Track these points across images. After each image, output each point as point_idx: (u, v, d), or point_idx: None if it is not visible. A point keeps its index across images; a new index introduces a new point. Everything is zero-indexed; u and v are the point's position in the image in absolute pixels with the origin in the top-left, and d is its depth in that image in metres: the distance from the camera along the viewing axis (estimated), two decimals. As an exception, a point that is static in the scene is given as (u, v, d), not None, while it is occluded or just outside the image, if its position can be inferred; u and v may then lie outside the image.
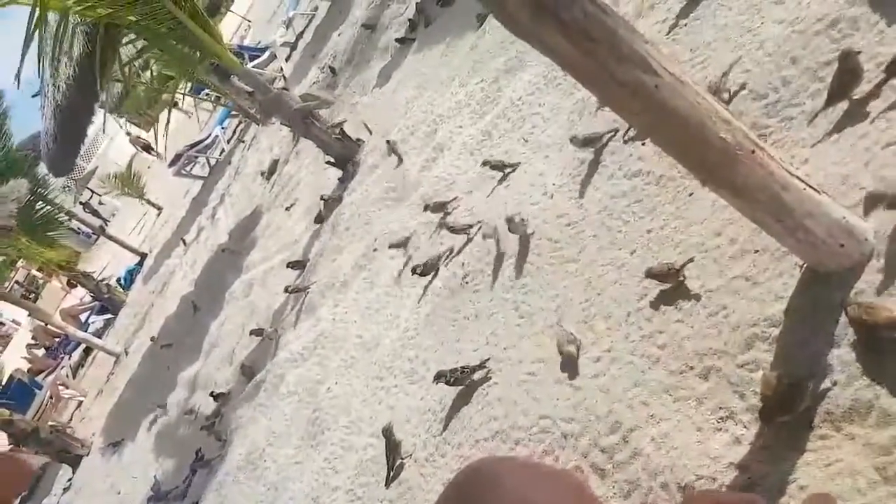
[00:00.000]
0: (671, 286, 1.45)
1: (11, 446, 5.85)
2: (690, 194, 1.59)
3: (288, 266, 3.61)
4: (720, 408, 1.23)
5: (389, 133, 3.43)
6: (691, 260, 1.43)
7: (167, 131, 5.65)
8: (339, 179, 3.69)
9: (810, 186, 1.06)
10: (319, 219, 3.60)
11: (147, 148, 13.12)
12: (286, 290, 3.36)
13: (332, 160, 3.70)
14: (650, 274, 1.46)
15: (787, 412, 1.07)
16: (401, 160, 3.15)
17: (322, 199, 3.62)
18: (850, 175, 1.21)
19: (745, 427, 1.17)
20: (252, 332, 3.51)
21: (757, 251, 1.33)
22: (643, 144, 1.77)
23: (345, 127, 3.67)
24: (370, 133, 3.68)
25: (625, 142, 1.85)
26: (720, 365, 1.26)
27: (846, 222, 1.08)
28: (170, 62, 5.08)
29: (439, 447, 1.87)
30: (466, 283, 2.20)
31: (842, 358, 1.07)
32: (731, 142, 1.03)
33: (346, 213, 3.41)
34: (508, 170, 2.29)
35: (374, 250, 2.95)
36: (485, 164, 2.36)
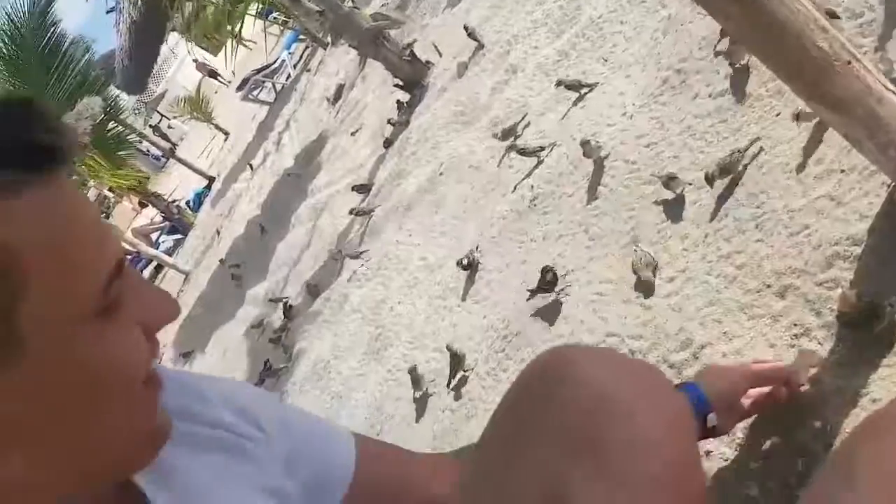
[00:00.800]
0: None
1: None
2: (777, 114, 1.54)
3: (353, 189, 3.65)
4: (795, 325, 1.21)
5: (460, 55, 3.40)
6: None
7: (235, 50, 5.69)
8: (406, 103, 3.68)
9: (911, 99, 1.02)
10: (387, 143, 3.61)
11: (213, 74, 13.28)
12: (351, 213, 3.41)
13: (401, 83, 3.69)
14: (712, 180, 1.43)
15: (865, 330, 1.06)
16: (481, 45, 3.05)
17: (389, 122, 3.63)
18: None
19: (819, 343, 1.16)
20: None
21: (843, 171, 1.29)
22: (731, 65, 1.72)
23: (414, 48, 3.65)
24: (440, 55, 3.65)
25: (715, 55, 1.79)
26: (798, 283, 1.25)
27: (946, 138, 1.04)
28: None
29: (501, 363, 1.91)
30: (535, 205, 2.20)
31: (931, 277, 1.05)
32: (829, 51, 0.99)
33: (413, 137, 3.41)
34: (585, 90, 2.25)
35: (441, 174, 2.96)
36: (559, 84, 2.32)
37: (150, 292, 0.61)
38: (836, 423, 1.04)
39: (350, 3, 3.66)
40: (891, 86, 1.02)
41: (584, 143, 1.97)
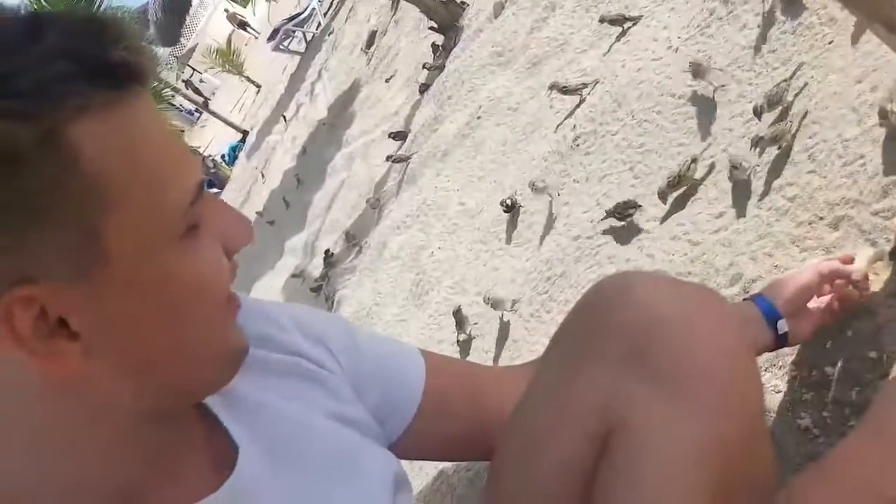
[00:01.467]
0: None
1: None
2: (830, 42, 1.49)
3: (389, 136, 3.64)
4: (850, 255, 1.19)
5: (496, -6, 3.33)
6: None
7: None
8: (441, 46, 3.63)
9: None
10: (423, 88, 3.58)
11: (243, 25, 13.21)
12: (388, 160, 3.41)
13: (435, 25, 3.64)
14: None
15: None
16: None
17: (425, 66, 3.60)
18: None
19: (875, 274, 1.13)
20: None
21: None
22: (779, -10, 1.66)
23: (449, -10, 3.59)
24: (474, -4, 3.59)
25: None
26: (852, 214, 1.22)
27: None
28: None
29: (545, 304, 1.91)
30: (577, 145, 2.17)
31: None
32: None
33: (449, 81, 3.37)
34: (629, 24, 2.19)
35: (478, 118, 2.93)
36: (602, 20, 2.26)
37: (228, 214, 0.62)
38: (892, 353, 1.03)
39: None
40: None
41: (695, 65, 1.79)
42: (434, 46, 3.62)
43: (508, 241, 2.22)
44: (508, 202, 2.19)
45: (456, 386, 0.92)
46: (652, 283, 0.74)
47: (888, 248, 1.10)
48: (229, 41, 12.95)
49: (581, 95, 2.22)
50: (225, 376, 0.65)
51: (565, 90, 2.23)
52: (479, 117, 2.89)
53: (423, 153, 3.20)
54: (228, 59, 11.71)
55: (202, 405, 0.70)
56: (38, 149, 0.49)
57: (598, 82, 2.19)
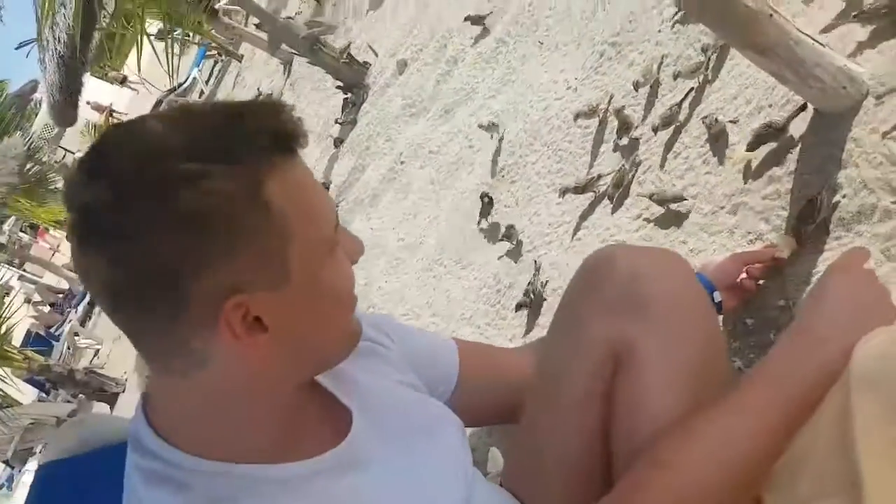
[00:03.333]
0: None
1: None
2: (708, 69, 1.86)
3: (311, 189, 3.84)
4: (749, 232, 1.52)
5: (397, 53, 3.64)
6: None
7: (140, 66, 5.72)
8: (350, 103, 3.90)
9: (817, 41, 1.34)
10: (337, 142, 3.82)
11: (123, 81, 13.06)
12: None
13: (342, 84, 3.91)
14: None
15: (807, 223, 1.38)
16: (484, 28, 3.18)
17: (337, 122, 3.84)
18: (846, 33, 1.49)
19: (771, 244, 1.47)
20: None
21: (770, 105, 1.61)
22: (659, 32, 2.03)
23: (351, 50, 3.87)
24: (376, 55, 3.88)
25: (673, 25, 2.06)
26: (746, 200, 1.56)
27: (847, 68, 1.36)
28: (156, 6, 5.19)
29: (499, 312, 2.18)
30: (503, 176, 2.47)
31: (848, 176, 1.37)
32: (755, 7, 1.29)
33: (365, 134, 3.64)
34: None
35: (402, 163, 3.20)
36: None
37: (347, 235, 0.86)
38: (796, 299, 1.36)
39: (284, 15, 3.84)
40: (804, 30, 1.34)
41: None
42: (345, 103, 3.88)
43: (453, 264, 2.48)
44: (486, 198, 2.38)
45: (484, 360, 1.20)
46: (629, 248, 1.04)
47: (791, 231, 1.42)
48: (109, 114, 12.77)
49: (497, 133, 2.51)
50: (349, 351, 0.89)
51: (483, 127, 2.52)
52: (402, 162, 3.16)
53: (350, 200, 3.43)
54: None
55: (315, 381, 0.93)
56: (250, 200, 0.72)
57: (509, 123, 2.50)
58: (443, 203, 2.71)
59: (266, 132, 0.73)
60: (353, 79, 3.82)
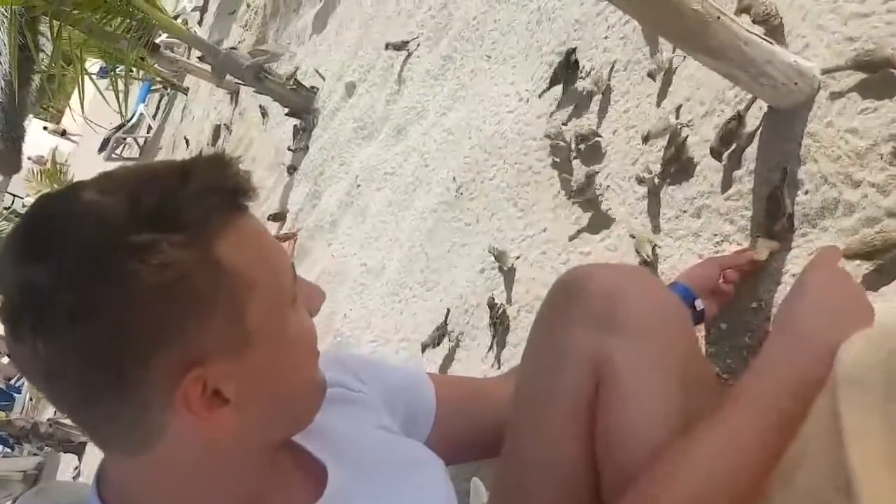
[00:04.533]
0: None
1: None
2: (647, 75, 1.85)
3: (269, 218, 3.78)
4: (715, 234, 1.51)
5: (344, 75, 3.59)
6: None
7: (83, 106, 5.62)
8: (301, 129, 3.84)
9: (765, 39, 1.33)
10: (291, 169, 3.76)
11: (63, 133, 12.84)
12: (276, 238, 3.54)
13: (290, 111, 3.85)
14: (646, 139, 1.72)
15: (773, 222, 1.36)
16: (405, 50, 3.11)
17: (289, 149, 3.78)
18: (791, 29, 1.49)
19: (738, 244, 1.46)
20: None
21: (724, 106, 1.60)
22: (606, 38, 2.02)
23: (297, 76, 3.82)
24: (323, 79, 3.83)
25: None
26: (709, 202, 1.55)
27: (797, 64, 1.36)
28: (95, 45, 5.09)
29: (468, 332, 2.14)
30: (461, 194, 2.44)
31: (808, 171, 1.36)
32: (702, 11, 1.28)
33: (318, 159, 3.58)
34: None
35: (358, 186, 3.15)
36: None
37: (307, 285, 0.81)
38: (769, 299, 1.34)
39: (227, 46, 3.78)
40: (752, 29, 1.33)
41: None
42: (295, 129, 3.82)
43: (418, 287, 2.44)
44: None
45: (461, 393, 1.15)
46: (604, 266, 1.02)
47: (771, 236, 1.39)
48: (54, 159, 12.49)
49: (454, 150, 2.49)
50: (318, 407, 0.85)
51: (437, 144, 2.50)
52: (358, 185, 3.11)
53: (309, 227, 3.37)
54: (55, 178, 11.27)
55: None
56: (204, 266, 0.67)
57: (465, 138, 2.48)
58: (402, 224, 2.67)
59: (213, 191, 0.69)
60: (301, 104, 3.77)
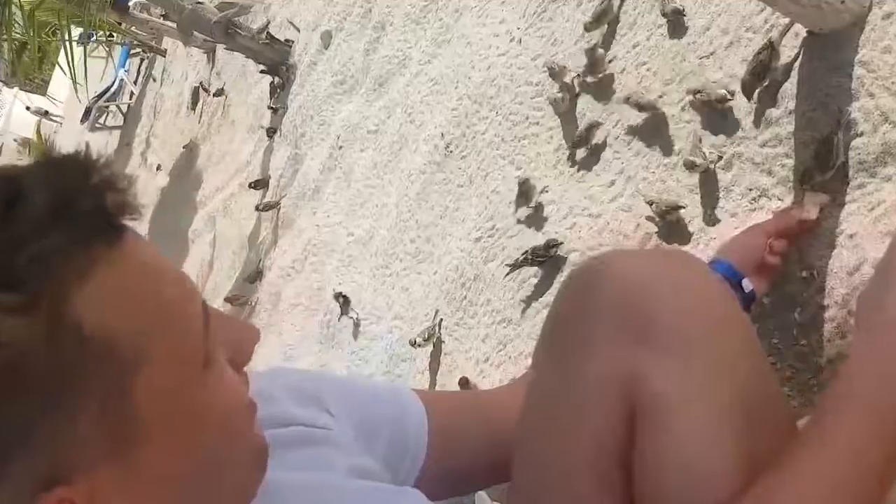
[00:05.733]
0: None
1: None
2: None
3: (249, 186, 3.53)
4: (750, 189, 1.27)
5: (319, 25, 3.30)
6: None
7: (74, 79, 5.36)
8: (277, 87, 3.57)
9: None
10: (270, 132, 3.50)
11: (45, 114, 12.46)
12: (258, 209, 3.31)
13: (266, 68, 3.57)
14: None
15: (823, 171, 1.12)
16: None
17: (269, 108, 3.52)
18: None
19: (779, 199, 1.22)
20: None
21: (751, 34, 1.35)
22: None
23: (270, 29, 3.53)
24: (298, 30, 3.54)
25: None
26: (741, 150, 1.30)
27: (847, -23, 1.10)
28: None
29: (466, 310, 1.92)
30: (451, 151, 2.19)
31: (863, 108, 1.11)
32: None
33: (298, 119, 3.32)
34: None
35: (340, 148, 2.90)
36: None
37: (230, 325, 0.58)
38: (821, 267, 1.11)
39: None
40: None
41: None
42: (272, 87, 3.55)
43: (409, 258, 2.21)
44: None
45: (459, 413, 0.91)
46: (625, 254, 0.77)
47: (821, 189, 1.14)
48: (38, 131, 12.15)
49: (440, 102, 2.23)
50: (259, 478, 0.62)
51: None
52: (340, 147, 2.86)
53: (293, 195, 3.13)
54: (42, 151, 10.92)
55: None
56: (45, 340, 0.44)
57: (454, 87, 2.22)
58: (389, 188, 2.43)
59: (62, 220, 0.46)
60: (276, 60, 3.48)
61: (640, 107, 1.49)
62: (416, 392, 0.89)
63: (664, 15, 1.51)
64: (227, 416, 0.56)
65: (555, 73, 1.75)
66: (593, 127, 1.62)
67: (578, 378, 0.73)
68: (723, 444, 0.68)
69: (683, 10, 1.48)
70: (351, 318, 2.33)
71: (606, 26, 1.68)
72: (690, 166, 1.34)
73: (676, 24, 1.50)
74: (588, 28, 1.70)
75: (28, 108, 12.10)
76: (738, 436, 0.68)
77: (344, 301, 2.36)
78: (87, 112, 8.77)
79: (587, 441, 0.72)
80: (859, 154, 1.11)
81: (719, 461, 0.67)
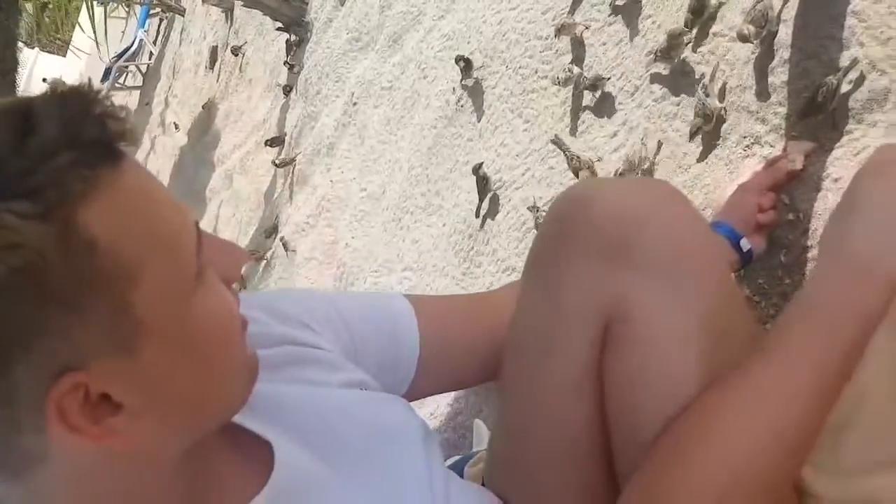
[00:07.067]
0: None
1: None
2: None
3: (266, 144, 3.59)
4: (744, 137, 1.31)
5: (335, -18, 3.33)
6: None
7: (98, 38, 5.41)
8: (294, 45, 3.60)
9: None
10: (287, 89, 3.55)
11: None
12: (274, 164, 3.37)
13: (282, 25, 3.61)
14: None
15: (811, 118, 1.16)
16: None
17: (285, 64, 3.56)
18: None
19: (771, 146, 1.26)
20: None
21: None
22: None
23: (287, -13, 3.56)
24: (314, -12, 3.57)
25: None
26: (735, 99, 1.34)
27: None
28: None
29: (474, 259, 1.98)
30: (462, 106, 2.23)
31: (853, 57, 1.15)
32: None
33: (313, 76, 3.36)
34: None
35: (354, 104, 2.95)
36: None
37: (220, 246, 0.64)
38: (807, 210, 1.16)
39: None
40: None
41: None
42: (288, 45, 3.59)
43: (419, 211, 2.27)
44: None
45: (451, 318, 0.96)
46: (614, 182, 0.82)
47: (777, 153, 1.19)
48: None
49: (454, 61, 2.26)
50: (249, 391, 0.68)
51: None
52: (354, 104, 2.90)
53: (308, 152, 3.18)
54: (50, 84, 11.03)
55: None
56: (59, 245, 0.50)
57: (466, 43, 2.25)
58: (402, 144, 2.48)
59: (71, 141, 0.52)
60: (293, 17, 3.51)
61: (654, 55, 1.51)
62: (408, 298, 0.93)
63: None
64: (219, 324, 0.62)
65: (564, 28, 1.78)
66: (600, 80, 1.66)
67: (560, 294, 0.79)
68: (694, 357, 0.73)
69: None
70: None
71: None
72: (702, 117, 1.36)
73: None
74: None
75: (44, 80, 12.19)
76: (709, 351, 0.74)
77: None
78: (107, 72, 8.84)
79: (566, 354, 0.78)
80: (848, 101, 1.15)
81: (690, 372, 0.73)
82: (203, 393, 0.61)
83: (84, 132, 0.52)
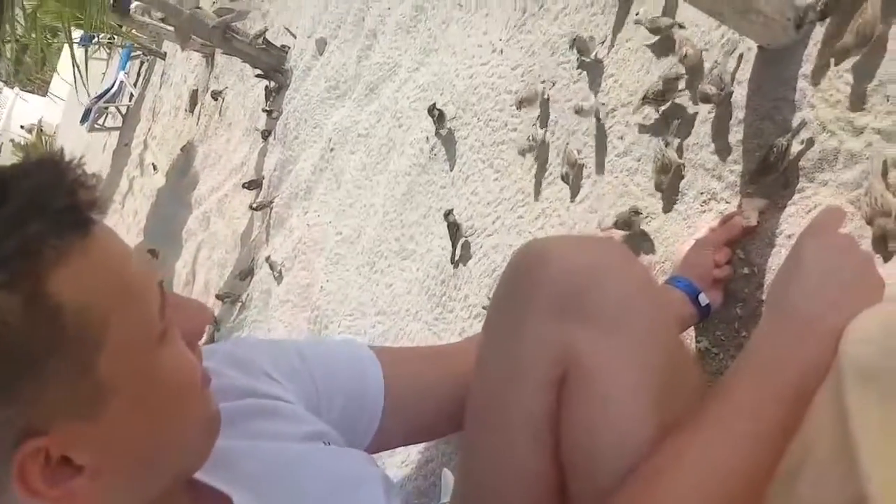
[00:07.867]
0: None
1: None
2: (637, 13, 1.68)
3: (243, 187, 3.62)
4: (701, 193, 1.36)
5: (315, 32, 3.40)
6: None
7: (83, 78, 5.43)
8: (273, 91, 3.66)
9: (754, -29, 1.17)
10: (265, 134, 3.59)
11: (39, 132, 12.51)
12: (251, 208, 3.39)
13: (262, 72, 3.67)
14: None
15: (764, 177, 1.22)
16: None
17: (264, 111, 3.61)
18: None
19: (727, 202, 1.31)
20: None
21: (707, 45, 1.44)
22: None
23: (267, 35, 3.62)
24: (294, 37, 3.64)
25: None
26: (693, 156, 1.40)
27: (790, -3, 1.20)
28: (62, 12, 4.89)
29: (446, 305, 2.01)
30: (435, 154, 2.28)
31: (805, 119, 1.21)
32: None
33: (291, 122, 3.41)
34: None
35: (331, 150, 2.99)
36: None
37: (185, 305, 0.67)
38: (761, 264, 1.20)
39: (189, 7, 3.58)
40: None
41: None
42: (267, 91, 3.64)
43: (393, 257, 2.30)
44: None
45: (415, 369, 0.98)
46: (568, 239, 0.86)
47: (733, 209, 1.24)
48: (39, 131, 12.25)
49: (429, 112, 2.31)
50: (210, 447, 0.70)
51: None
52: (331, 150, 2.95)
53: (285, 195, 3.21)
54: (41, 151, 11.01)
55: None
56: (25, 312, 0.52)
57: (439, 94, 2.31)
58: (377, 189, 2.52)
59: (40, 211, 0.54)
60: (272, 65, 3.58)
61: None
62: (374, 350, 0.95)
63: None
64: (181, 383, 0.63)
65: (527, 100, 1.83)
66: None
67: (517, 346, 0.82)
68: (644, 408, 0.77)
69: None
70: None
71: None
72: (661, 170, 1.41)
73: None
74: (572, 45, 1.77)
75: (22, 127, 12.12)
76: (658, 402, 0.77)
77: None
78: (87, 113, 8.86)
79: (523, 404, 0.81)
80: (799, 161, 1.20)
81: (642, 420, 0.76)
82: (163, 450, 0.63)
83: (54, 202, 0.54)
